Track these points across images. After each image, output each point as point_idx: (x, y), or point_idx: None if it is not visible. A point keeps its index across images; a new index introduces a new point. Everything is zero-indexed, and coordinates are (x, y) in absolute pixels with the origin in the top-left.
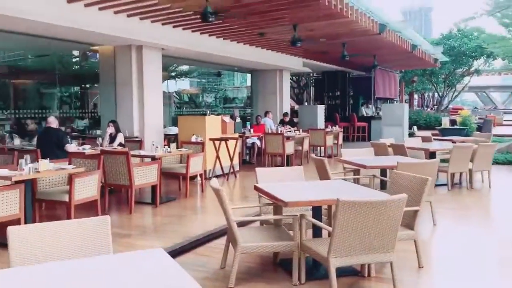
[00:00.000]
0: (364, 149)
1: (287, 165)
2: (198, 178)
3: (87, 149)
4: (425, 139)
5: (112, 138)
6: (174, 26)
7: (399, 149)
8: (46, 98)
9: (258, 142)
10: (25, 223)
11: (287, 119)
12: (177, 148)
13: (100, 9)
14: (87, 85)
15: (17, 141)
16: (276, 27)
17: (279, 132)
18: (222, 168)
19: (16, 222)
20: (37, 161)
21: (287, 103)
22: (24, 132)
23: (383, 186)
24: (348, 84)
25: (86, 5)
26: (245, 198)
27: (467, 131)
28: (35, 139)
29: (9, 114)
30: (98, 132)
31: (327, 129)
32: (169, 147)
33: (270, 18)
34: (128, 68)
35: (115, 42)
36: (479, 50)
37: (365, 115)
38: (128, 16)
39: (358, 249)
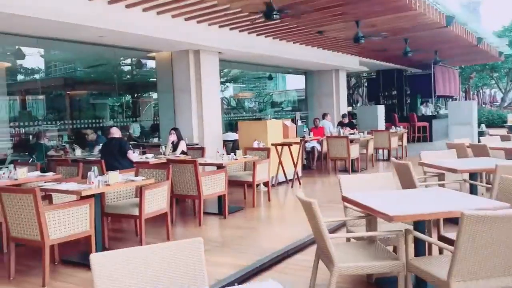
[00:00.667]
0: (445, 151)
1: (352, 170)
2: (262, 185)
3: (150, 157)
4: (504, 138)
5: (174, 146)
6: (230, 29)
7: (480, 150)
8: (99, 108)
9: (318, 146)
10: (96, 240)
11: (346, 120)
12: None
13: (158, 13)
14: (141, 94)
15: (78, 152)
16: (337, 23)
17: (341, 134)
18: (285, 175)
19: (87, 239)
20: (103, 173)
21: (344, 104)
22: (84, 143)
23: (472, 192)
24: (405, 83)
25: (144, 10)
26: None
27: None
28: (95, 149)
29: (65, 124)
30: (155, 140)
31: (391, 130)
32: (229, 153)
33: (331, 14)
34: (186, 74)
35: (172, 47)
36: None
37: (424, 114)
38: (186, 19)
39: (488, 271)
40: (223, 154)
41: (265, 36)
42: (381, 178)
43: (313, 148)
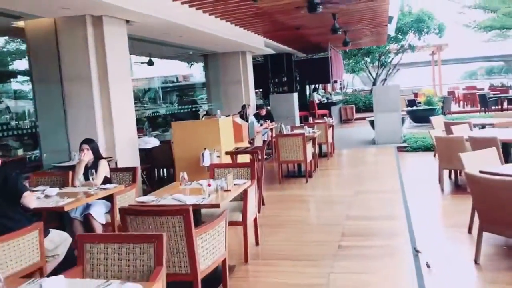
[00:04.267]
0: (487, 150)
1: (302, 175)
2: None
3: (53, 194)
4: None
5: (89, 169)
6: None
7: (489, 143)
8: None
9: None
10: None
11: (264, 112)
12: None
13: None
14: None
15: None
16: None
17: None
18: None
19: None
20: None
21: (253, 94)
22: None
23: None
24: (294, 68)
25: None
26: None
27: (436, 110)
28: None
29: None
30: (37, 153)
31: (326, 121)
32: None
33: None
34: (83, 53)
35: (56, 13)
36: (415, 25)
37: (316, 101)
38: None
39: None
40: (208, 186)
41: (181, 3)
42: None
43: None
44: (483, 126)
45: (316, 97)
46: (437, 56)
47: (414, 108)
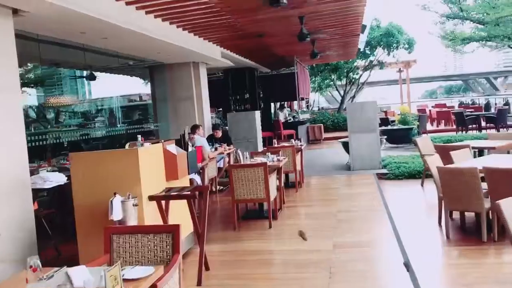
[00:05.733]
0: None
1: (264, 216)
2: None
3: None
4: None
5: None
6: None
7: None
8: None
9: (197, 179)
10: None
11: (220, 134)
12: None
13: None
14: None
15: None
16: None
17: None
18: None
19: None
20: None
21: (207, 112)
22: None
23: None
24: (257, 85)
25: None
26: None
27: (413, 130)
28: None
29: None
30: None
31: (293, 144)
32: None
33: None
34: None
35: None
36: (384, 39)
37: (282, 120)
38: None
39: None
40: None
41: None
42: None
43: (190, 181)
44: (480, 150)
45: (282, 116)
46: (405, 73)
47: (389, 127)
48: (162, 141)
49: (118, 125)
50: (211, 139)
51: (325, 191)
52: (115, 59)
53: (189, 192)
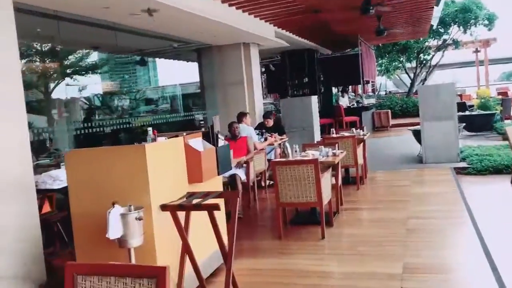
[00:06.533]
0: None
1: (316, 221)
2: None
3: None
4: None
5: None
6: None
7: None
8: None
9: (241, 174)
10: None
11: (271, 122)
12: None
13: None
14: None
15: None
16: None
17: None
18: (198, 273)
19: None
20: None
21: (259, 98)
22: None
23: None
24: (317, 67)
25: None
26: None
27: (495, 115)
28: None
29: None
30: None
31: (355, 134)
32: None
33: None
34: None
35: None
36: (460, 15)
37: (344, 106)
38: None
39: None
40: None
41: None
42: None
43: (233, 177)
44: None
45: (344, 101)
46: (483, 53)
47: (467, 113)
48: (184, 134)
49: (179, 113)
50: (262, 128)
51: (392, 189)
52: (160, 41)
53: (213, 200)
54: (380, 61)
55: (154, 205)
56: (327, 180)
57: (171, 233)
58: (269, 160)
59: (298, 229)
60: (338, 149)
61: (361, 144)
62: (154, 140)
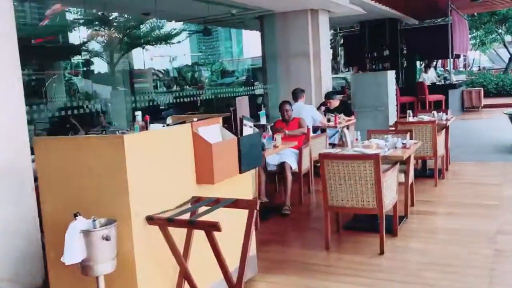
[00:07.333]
0: None
1: (390, 232)
2: None
3: None
4: None
5: None
6: None
7: None
8: None
9: (291, 162)
10: None
11: (337, 102)
12: None
13: None
14: None
15: None
16: None
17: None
18: None
19: None
20: None
21: (327, 72)
22: None
23: None
24: (400, 39)
25: None
26: None
27: None
28: None
29: None
30: None
31: (436, 119)
32: None
33: None
34: None
35: None
36: None
37: (427, 82)
38: None
39: None
40: None
41: None
42: None
43: (281, 165)
44: None
45: (429, 77)
46: None
47: None
48: (194, 119)
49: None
50: (323, 108)
51: (478, 188)
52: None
53: (214, 213)
54: (474, 33)
55: (136, 216)
56: (392, 180)
57: (164, 254)
58: (332, 145)
59: (353, 237)
60: (412, 139)
61: (443, 130)
62: (144, 128)
